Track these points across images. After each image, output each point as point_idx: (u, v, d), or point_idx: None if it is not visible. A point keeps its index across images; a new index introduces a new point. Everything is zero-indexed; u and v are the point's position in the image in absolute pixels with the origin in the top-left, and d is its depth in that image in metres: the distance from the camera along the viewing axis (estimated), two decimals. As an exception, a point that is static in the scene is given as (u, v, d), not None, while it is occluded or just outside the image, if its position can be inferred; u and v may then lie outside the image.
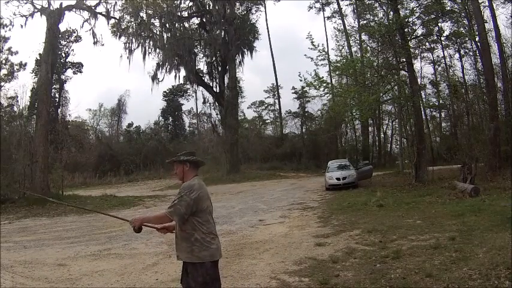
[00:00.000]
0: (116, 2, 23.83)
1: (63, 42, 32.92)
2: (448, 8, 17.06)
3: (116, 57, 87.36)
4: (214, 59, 27.42)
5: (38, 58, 25.78)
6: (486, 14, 17.70)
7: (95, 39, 21.37)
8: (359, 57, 18.62)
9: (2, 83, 23.17)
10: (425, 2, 16.06)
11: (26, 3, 18.34)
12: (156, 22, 25.54)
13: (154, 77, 26.34)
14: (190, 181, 2.90)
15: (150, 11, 24.93)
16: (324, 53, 15.31)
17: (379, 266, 4.87)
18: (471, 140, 16.03)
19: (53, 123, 26.20)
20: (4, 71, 24.50)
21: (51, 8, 18.12)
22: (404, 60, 15.29)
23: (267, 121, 41.08)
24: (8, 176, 14.37)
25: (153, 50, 25.64)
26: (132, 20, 24.67)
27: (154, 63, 30.39)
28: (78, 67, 36.29)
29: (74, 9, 19.62)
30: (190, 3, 26.22)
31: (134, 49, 25.12)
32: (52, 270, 5.69)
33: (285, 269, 5.12)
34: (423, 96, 23.03)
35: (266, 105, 40.31)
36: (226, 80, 27.21)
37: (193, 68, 26.32)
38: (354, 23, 30.50)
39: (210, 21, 26.38)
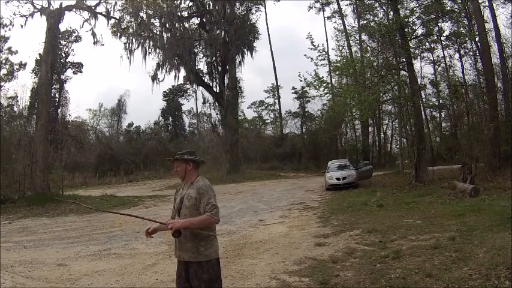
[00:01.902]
0: (116, 2, 23.94)
1: (63, 42, 32.96)
2: (448, 8, 17.04)
3: (116, 57, 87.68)
4: (214, 59, 27.40)
5: (38, 58, 25.81)
6: (486, 14, 17.71)
7: (95, 39, 21.36)
8: (359, 57, 18.63)
9: (2, 83, 23.21)
10: (425, 2, 16.05)
11: (26, 3, 18.34)
12: (156, 22, 25.56)
13: (154, 77, 26.35)
14: (205, 181, 2.96)
15: (150, 11, 24.92)
16: (324, 53, 15.28)
17: (379, 266, 4.87)
18: (471, 140, 16.01)
19: (53, 123, 26.27)
20: (4, 71, 24.56)
21: (51, 8, 18.11)
22: (404, 60, 15.27)
23: (267, 121, 41.15)
24: (8, 176, 14.37)
25: (153, 50, 25.65)
26: (132, 20, 24.67)
27: (154, 63, 30.45)
28: (78, 67, 36.32)
29: (74, 9, 19.61)
30: (190, 3, 26.22)
31: (134, 49, 25.14)
32: (52, 270, 5.69)
33: (285, 269, 5.13)
34: (423, 96, 23.06)
35: (266, 105, 40.38)
36: (226, 80, 27.21)
37: (193, 68, 26.31)
38: (354, 23, 30.52)
39: (210, 21, 26.37)
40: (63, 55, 34.50)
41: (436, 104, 24.45)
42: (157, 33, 25.44)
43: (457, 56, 27.92)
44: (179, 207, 2.93)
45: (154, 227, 2.98)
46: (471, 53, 24.54)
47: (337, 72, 19.55)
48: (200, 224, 2.81)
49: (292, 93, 36.14)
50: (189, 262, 2.82)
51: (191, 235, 2.81)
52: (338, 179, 15.86)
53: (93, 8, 20.41)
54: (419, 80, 24.09)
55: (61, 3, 18.52)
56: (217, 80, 27.29)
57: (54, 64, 19.44)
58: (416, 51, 21.77)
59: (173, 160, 3.04)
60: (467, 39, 22.03)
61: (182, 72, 26.87)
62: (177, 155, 3.04)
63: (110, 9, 22.02)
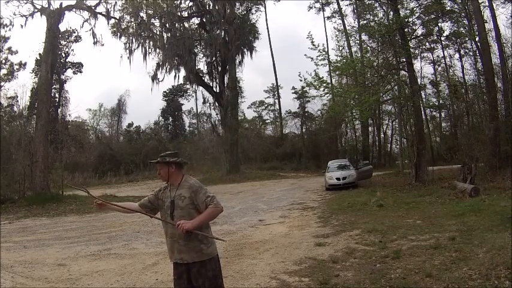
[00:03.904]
0: (116, 2, 23.96)
1: (63, 42, 32.95)
2: (448, 8, 17.05)
3: (116, 57, 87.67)
4: (214, 59, 27.41)
5: (38, 58, 25.81)
6: (486, 14, 17.71)
7: (95, 39, 21.41)
8: (359, 58, 18.60)
9: (2, 83, 23.24)
10: (425, 2, 16.06)
11: (26, 3, 18.38)
12: (156, 22, 25.59)
13: (154, 77, 26.34)
14: (193, 179, 2.96)
15: (150, 11, 24.94)
16: (324, 53, 15.27)
17: (379, 266, 4.87)
18: (471, 140, 16.02)
19: (53, 123, 26.26)
20: (4, 71, 24.58)
21: (51, 8, 18.15)
22: (404, 60, 15.27)
23: (267, 121, 41.14)
24: (8, 176, 14.37)
25: (153, 50, 25.67)
26: (132, 20, 24.69)
27: (154, 63, 30.43)
28: (78, 67, 36.32)
29: (74, 9, 19.65)
30: (190, 3, 26.24)
31: (134, 49, 25.16)
32: (52, 270, 5.69)
33: (285, 269, 5.12)
34: (423, 96, 23.05)
35: (266, 105, 40.38)
36: (226, 80, 27.22)
37: (193, 68, 26.31)
38: (354, 23, 30.46)
39: (210, 21, 26.38)
40: (63, 55, 34.51)
41: (436, 104, 24.42)
42: (157, 33, 25.46)
43: (457, 56, 27.99)
44: (171, 210, 2.86)
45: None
46: (471, 53, 24.59)
47: (337, 72, 19.55)
48: (209, 218, 2.83)
49: (292, 93, 36.18)
50: (192, 263, 2.80)
51: (193, 234, 2.80)
52: (338, 179, 15.86)
53: (93, 8, 20.45)
54: (419, 80, 24.11)
55: (61, 3, 18.57)
56: (217, 80, 27.29)
57: (54, 64, 19.46)
58: (416, 51, 21.80)
59: (156, 163, 2.99)
60: (467, 39, 22.06)
61: (182, 72, 26.92)
62: (158, 158, 2.98)
63: (110, 9, 22.10)
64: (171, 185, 2.95)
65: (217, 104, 27.93)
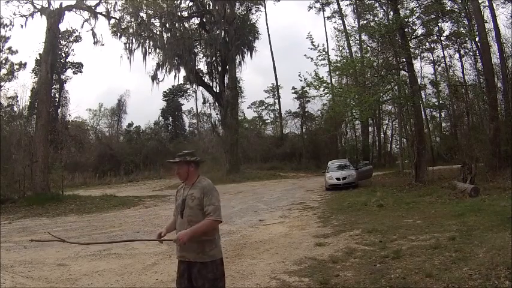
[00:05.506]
0: (116, 2, 23.84)
1: (63, 42, 32.98)
2: (448, 8, 17.04)
3: (116, 57, 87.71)
4: (214, 59, 27.40)
5: (38, 58, 25.85)
6: (486, 14, 17.74)
7: (95, 39, 21.37)
8: (359, 58, 18.60)
9: (2, 83, 23.25)
10: (425, 2, 16.06)
11: (26, 3, 18.35)
12: (156, 22, 25.57)
13: (154, 77, 26.33)
14: (208, 180, 2.95)
15: (150, 11, 24.93)
16: (324, 53, 15.26)
17: (379, 266, 4.87)
18: (471, 140, 16.03)
19: (53, 123, 26.23)
20: (4, 71, 24.60)
21: (51, 8, 18.13)
22: (404, 60, 15.27)
23: (267, 121, 41.17)
24: (8, 176, 14.36)
25: (153, 50, 25.65)
26: (132, 20, 24.67)
27: (154, 63, 30.41)
28: (78, 67, 36.36)
29: (74, 9, 19.61)
30: (190, 3, 26.23)
31: (134, 49, 25.14)
32: (52, 270, 5.68)
33: (285, 269, 5.13)
34: (423, 96, 23.10)
35: (266, 105, 40.43)
36: (226, 80, 27.21)
37: (193, 68, 26.29)
38: (354, 23, 30.56)
39: (210, 21, 26.38)
40: (63, 55, 34.54)
41: (436, 104, 24.43)
42: (157, 33, 25.44)
43: (457, 56, 28.01)
44: (181, 209, 2.89)
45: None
46: (471, 53, 24.59)
47: (337, 72, 19.53)
48: (205, 231, 2.78)
49: (292, 93, 36.23)
50: (193, 262, 2.81)
51: (195, 237, 2.80)
52: (338, 179, 15.86)
53: (93, 8, 20.41)
54: (419, 80, 24.11)
55: (61, 3, 18.54)
56: (217, 80, 27.28)
57: (54, 64, 19.44)
58: (416, 51, 21.82)
59: (176, 162, 2.98)
60: (467, 39, 22.08)
61: (182, 72, 26.89)
62: (178, 157, 2.97)
63: (110, 9, 22.03)
64: (186, 184, 2.98)
65: (217, 104, 27.92)
